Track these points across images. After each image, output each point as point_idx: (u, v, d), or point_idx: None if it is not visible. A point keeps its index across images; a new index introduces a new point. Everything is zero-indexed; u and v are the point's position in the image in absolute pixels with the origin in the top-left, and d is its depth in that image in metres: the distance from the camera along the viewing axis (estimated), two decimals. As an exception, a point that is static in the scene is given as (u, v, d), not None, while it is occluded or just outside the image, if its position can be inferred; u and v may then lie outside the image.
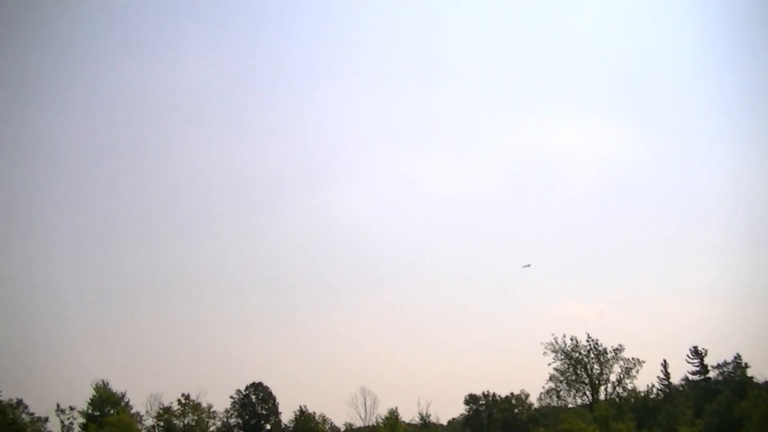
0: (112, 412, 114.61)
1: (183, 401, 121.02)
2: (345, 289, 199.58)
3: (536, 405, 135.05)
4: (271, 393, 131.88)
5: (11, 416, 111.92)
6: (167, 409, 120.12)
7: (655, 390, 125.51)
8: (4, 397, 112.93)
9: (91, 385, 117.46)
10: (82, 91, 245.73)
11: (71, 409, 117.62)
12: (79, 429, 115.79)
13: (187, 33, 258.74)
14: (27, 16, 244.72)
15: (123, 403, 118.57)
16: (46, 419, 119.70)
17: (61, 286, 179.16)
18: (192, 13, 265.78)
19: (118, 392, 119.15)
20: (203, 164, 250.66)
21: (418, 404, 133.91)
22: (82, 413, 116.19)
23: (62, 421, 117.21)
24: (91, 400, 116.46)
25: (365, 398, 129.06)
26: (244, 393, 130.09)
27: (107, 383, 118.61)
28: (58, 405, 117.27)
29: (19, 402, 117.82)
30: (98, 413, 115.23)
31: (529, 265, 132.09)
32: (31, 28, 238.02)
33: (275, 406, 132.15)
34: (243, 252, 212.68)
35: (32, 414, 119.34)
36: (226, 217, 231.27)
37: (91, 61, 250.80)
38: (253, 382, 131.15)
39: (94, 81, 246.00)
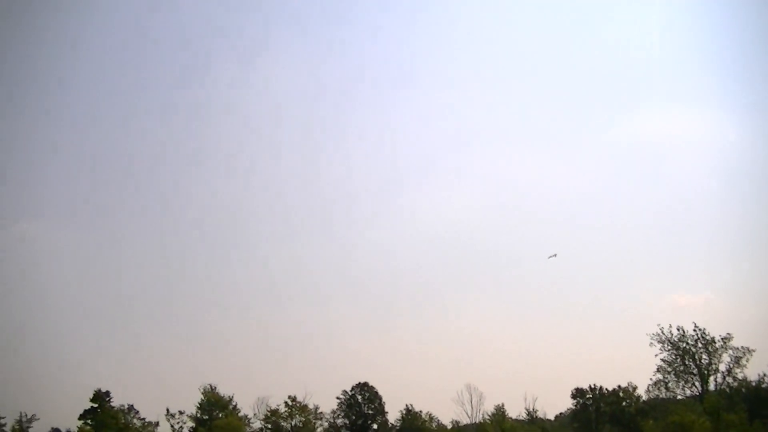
0: (220, 415, 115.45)
1: (290, 403, 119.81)
2: (447, 288, 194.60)
3: (644, 397, 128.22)
4: (377, 393, 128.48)
5: (123, 421, 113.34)
6: (275, 412, 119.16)
7: (767, 379, 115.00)
8: (116, 403, 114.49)
9: (200, 389, 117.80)
10: (174, 101, 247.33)
11: (180, 413, 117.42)
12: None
13: (276, 39, 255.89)
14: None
15: (231, 407, 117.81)
16: (157, 423, 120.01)
17: (171, 292, 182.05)
18: (279, 18, 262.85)
19: (226, 396, 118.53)
20: (298, 168, 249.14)
21: (525, 399, 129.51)
22: (192, 417, 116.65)
23: (172, 426, 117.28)
24: (200, 404, 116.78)
25: (471, 395, 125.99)
26: (350, 393, 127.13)
27: (215, 387, 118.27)
28: (167, 409, 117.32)
29: (131, 407, 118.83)
30: (207, 417, 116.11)
31: (555, 255, 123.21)
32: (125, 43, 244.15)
33: (381, 405, 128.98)
34: (346, 254, 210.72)
35: (143, 419, 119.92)
36: (328, 219, 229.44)
37: (185, 70, 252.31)
38: (359, 383, 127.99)
39: (192, 91, 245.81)
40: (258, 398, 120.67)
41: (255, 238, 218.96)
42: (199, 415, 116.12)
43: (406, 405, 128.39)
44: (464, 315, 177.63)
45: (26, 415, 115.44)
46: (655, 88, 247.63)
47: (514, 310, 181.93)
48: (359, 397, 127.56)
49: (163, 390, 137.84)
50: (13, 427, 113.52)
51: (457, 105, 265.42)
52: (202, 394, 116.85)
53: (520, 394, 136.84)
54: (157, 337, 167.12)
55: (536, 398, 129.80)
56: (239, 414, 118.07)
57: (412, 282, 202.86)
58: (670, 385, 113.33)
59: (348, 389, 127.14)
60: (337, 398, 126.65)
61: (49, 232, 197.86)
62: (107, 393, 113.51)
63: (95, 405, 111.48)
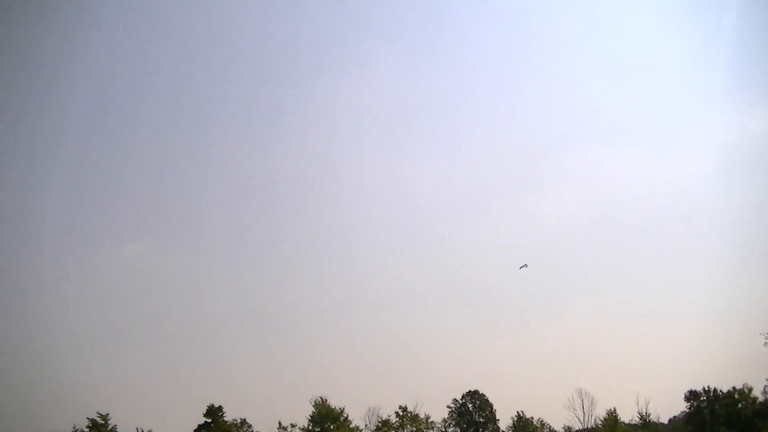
0: (331, 427, 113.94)
1: (401, 413, 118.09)
2: (553, 291, 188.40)
3: (761, 398, 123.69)
4: (487, 400, 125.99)
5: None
6: (386, 422, 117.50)
7: None
8: (229, 417, 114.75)
9: (310, 401, 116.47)
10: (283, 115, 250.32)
11: (292, 426, 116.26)
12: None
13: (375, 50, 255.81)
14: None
15: (342, 418, 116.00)
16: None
17: (277, 306, 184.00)
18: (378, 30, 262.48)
19: (337, 407, 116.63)
20: (406, 175, 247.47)
21: (637, 403, 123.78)
22: (303, 429, 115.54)
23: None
24: (311, 416, 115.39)
25: (582, 400, 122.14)
26: (460, 401, 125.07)
27: (326, 399, 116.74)
28: (279, 423, 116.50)
29: (243, 421, 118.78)
30: (318, 429, 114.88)
31: (526, 266, 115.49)
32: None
33: (492, 413, 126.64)
34: (452, 260, 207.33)
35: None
36: (438, 223, 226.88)
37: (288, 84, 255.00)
38: (469, 390, 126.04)
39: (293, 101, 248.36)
40: (369, 409, 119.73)
41: (361, 249, 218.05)
42: (310, 428, 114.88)
43: (517, 412, 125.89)
44: (572, 318, 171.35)
45: (142, 431, 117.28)
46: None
47: (622, 311, 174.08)
48: (470, 405, 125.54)
49: (274, 403, 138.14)
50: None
51: (560, 107, 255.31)
52: (313, 406, 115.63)
53: (632, 397, 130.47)
54: (267, 351, 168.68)
55: (649, 401, 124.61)
56: (350, 425, 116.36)
57: (519, 286, 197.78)
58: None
59: (458, 397, 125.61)
60: (448, 407, 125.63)
61: (156, 251, 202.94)
62: (220, 408, 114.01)
63: (209, 420, 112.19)
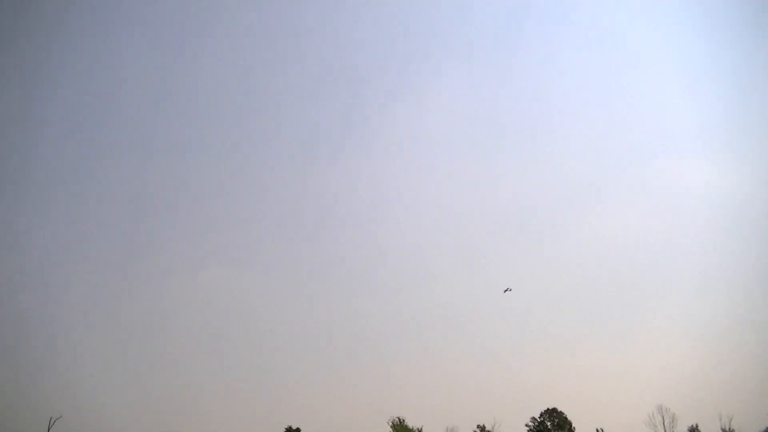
0: None
1: None
2: (629, 307, 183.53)
3: None
4: (566, 418, 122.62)
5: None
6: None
7: None
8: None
9: (388, 422, 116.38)
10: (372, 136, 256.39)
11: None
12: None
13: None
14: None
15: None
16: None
17: (359, 330, 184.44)
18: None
19: (415, 428, 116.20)
20: (481, 192, 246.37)
21: (720, 419, 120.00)
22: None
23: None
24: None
25: (663, 416, 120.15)
26: (539, 420, 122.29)
27: (403, 420, 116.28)
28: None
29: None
30: None
31: (510, 290, 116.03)
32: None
33: (572, 431, 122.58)
34: (529, 277, 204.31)
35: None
36: (516, 241, 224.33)
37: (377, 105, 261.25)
38: (548, 408, 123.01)
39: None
40: (446, 428, 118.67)
41: (438, 269, 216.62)
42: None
43: (597, 429, 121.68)
44: (651, 334, 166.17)
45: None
46: None
47: (705, 323, 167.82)
48: (548, 423, 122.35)
49: (352, 424, 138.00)
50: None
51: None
52: (391, 427, 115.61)
53: (714, 413, 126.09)
54: (344, 372, 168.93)
55: (732, 417, 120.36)
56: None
57: (593, 304, 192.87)
58: None
59: (536, 415, 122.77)
60: (526, 425, 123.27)
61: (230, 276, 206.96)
62: (298, 430, 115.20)
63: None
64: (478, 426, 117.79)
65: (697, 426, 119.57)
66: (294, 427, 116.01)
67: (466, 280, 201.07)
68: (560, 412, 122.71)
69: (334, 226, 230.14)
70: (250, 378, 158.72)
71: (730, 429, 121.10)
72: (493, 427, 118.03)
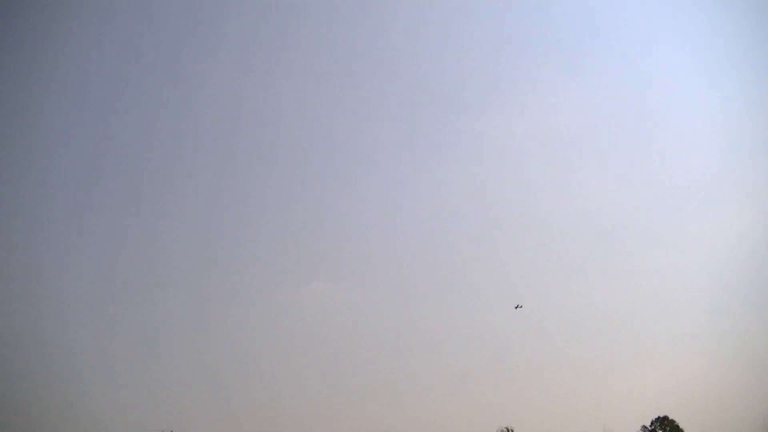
0: None
1: None
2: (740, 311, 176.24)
3: None
4: (678, 427, 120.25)
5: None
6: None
7: None
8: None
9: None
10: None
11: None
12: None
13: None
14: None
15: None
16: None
17: (466, 334, 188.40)
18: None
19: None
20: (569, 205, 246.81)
21: None
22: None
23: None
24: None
25: None
26: (650, 428, 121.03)
27: (512, 429, 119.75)
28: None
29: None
30: None
31: (520, 306, 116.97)
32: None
33: None
34: (642, 276, 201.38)
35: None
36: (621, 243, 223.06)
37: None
38: (658, 417, 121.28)
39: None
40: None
41: (542, 272, 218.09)
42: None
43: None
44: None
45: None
46: None
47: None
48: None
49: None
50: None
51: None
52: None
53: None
54: (453, 380, 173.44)
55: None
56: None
57: (698, 300, 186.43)
58: None
59: (647, 424, 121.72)
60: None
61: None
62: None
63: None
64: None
65: None
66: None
67: (575, 283, 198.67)
68: (671, 420, 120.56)
69: (444, 234, 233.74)
70: (360, 391, 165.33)
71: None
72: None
